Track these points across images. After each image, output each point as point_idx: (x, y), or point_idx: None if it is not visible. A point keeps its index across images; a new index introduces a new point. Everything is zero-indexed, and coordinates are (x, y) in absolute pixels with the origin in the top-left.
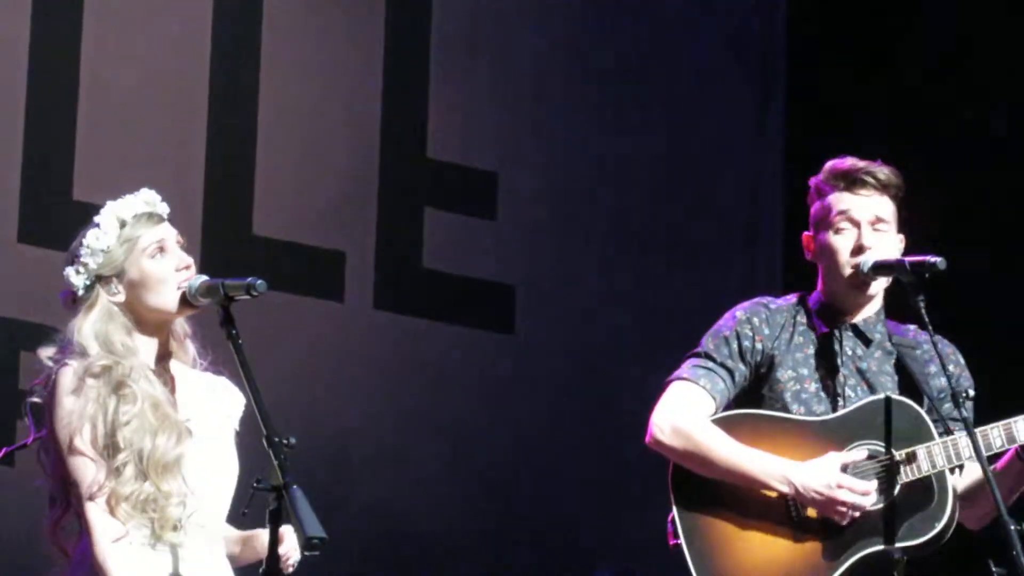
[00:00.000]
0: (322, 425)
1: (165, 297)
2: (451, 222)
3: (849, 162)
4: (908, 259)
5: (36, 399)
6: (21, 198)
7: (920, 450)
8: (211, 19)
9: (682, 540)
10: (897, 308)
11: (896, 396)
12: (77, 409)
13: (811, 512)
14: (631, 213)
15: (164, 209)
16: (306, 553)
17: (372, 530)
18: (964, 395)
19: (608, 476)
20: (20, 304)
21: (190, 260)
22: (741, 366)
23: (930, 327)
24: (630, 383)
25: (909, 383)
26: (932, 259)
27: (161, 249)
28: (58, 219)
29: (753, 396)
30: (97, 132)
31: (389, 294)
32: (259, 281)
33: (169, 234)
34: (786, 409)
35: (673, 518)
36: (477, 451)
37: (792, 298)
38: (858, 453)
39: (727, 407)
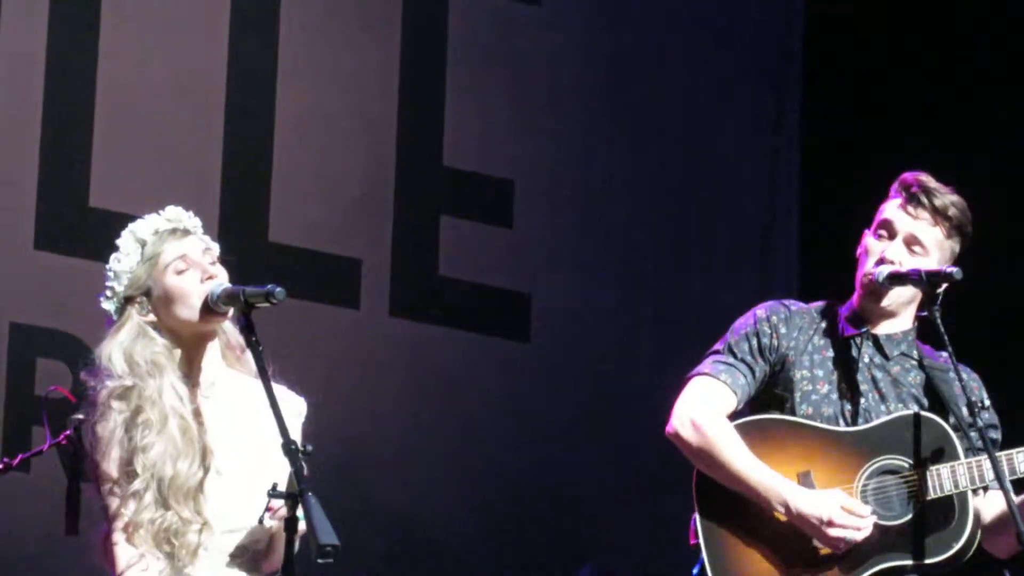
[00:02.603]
0: (337, 432)
1: (192, 310)
2: (467, 230)
3: (919, 177)
4: (924, 269)
5: (80, 415)
6: (38, 205)
7: (944, 469)
8: (228, 26)
9: (701, 542)
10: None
11: (925, 413)
12: (105, 434)
13: None
14: (646, 221)
15: (192, 223)
16: (320, 561)
17: (387, 536)
18: (979, 404)
19: (622, 482)
20: (36, 310)
21: (215, 271)
22: (761, 362)
23: (948, 343)
24: (645, 391)
25: (934, 405)
26: (948, 269)
27: (184, 262)
28: (75, 226)
29: (764, 394)
30: (114, 139)
31: (405, 302)
32: (278, 289)
33: (193, 247)
34: (794, 409)
35: (695, 520)
36: (492, 458)
37: (819, 304)
38: (867, 496)
39: (747, 404)
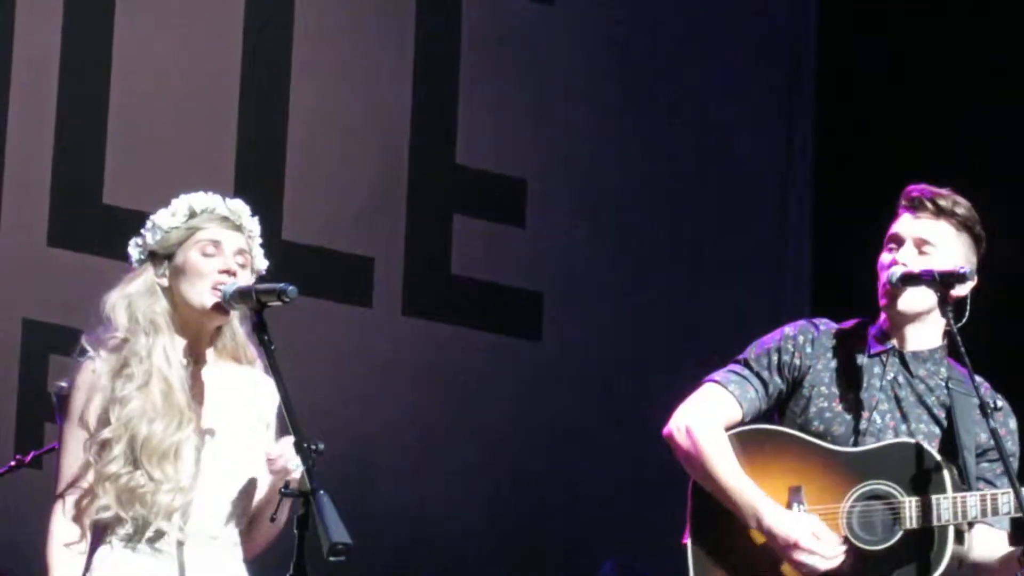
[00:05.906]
0: (350, 431)
1: (197, 292)
2: (480, 229)
3: (920, 186)
4: (937, 269)
5: (62, 383)
6: (51, 202)
7: (930, 501)
8: (242, 25)
9: (689, 544)
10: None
11: (925, 444)
12: (91, 378)
13: None
14: (659, 223)
15: (249, 223)
16: (331, 559)
17: (399, 535)
18: (991, 406)
19: (634, 483)
20: (50, 307)
21: (237, 271)
22: (777, 379)
23: (964, 352)
24: (656, 391)
25: (952, 428)
26: (961, 269)
27: (214, 247)
28: (87, 223)
29: (779, 409)
30: (127, 137)
31: (417, 300)
32: (290, 287)
33: (232, 241)
34: (806, 424)
35: (687, 520)
36: (504, 457)
37: (850, 323)
38: (852, 519)
39: (760, 417)
